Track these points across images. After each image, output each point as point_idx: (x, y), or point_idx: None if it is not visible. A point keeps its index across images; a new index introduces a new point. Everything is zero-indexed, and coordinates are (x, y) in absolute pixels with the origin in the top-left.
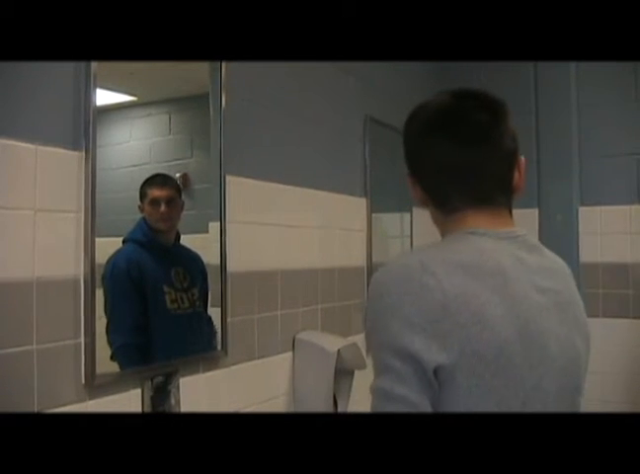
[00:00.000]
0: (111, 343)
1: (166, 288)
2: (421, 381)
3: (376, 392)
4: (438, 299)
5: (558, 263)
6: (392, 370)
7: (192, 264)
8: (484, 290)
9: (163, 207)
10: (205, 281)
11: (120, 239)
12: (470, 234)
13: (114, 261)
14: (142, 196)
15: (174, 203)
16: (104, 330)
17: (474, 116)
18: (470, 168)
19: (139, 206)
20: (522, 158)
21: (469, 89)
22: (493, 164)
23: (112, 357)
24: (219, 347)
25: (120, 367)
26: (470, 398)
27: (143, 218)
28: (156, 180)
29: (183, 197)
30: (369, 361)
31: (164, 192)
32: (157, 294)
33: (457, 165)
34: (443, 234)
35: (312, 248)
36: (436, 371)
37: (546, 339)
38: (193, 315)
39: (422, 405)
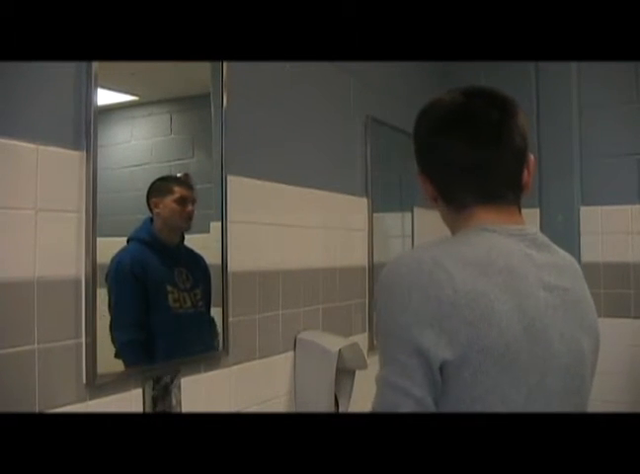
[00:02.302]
0: (114, 340)
1: (169, 288)
2: (425, 377)
3: (381, 382)
4: (447, 295)
5: (569, 261)
6: (397, 363)
7: (195, 264)
8: (493, 288)
9: (190, 207)
10: (208, 283)
11: (121, 239)
12: (481, 230)
13: (118, 259)
14: (164, 191)
15: (195, 205)
16: (105, 329)
17: (485, 114)
18: (481, 166)
19: (154, 202)
20: (532, 156)
21: (480, 87)
22: (503, 162)
23: (116, 355)
24: (220, 346)
25: (125, 365)
26: (475, 393)
27: (150, 219)
28: (180, 179)
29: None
30: (370, 361)
31: (191, 192)
32: (160, 293)
33: (468, 163)
34: (454, 231)
35: (313, 248)
36: (441, 367)
37: (550, 336)
38: (194, 315)
39: (422, 398)
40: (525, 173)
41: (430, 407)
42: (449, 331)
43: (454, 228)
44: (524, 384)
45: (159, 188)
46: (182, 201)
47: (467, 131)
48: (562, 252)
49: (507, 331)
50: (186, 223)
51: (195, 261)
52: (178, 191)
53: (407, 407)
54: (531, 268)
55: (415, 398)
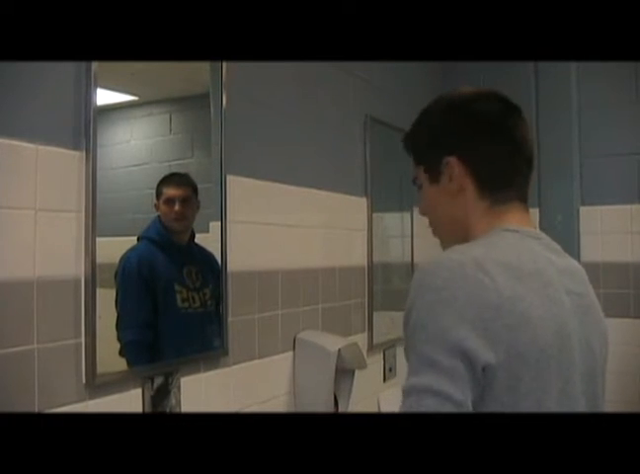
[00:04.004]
0: (119, 339)
1: (177, 287)
2: (469, 380)
3: (417, 389)
4: (492, 298)
5: (577, 266)
6: (439, 367)
7: (205, 263)
8: (528, 292)
9: (177, 207)
10: (219, 281)
11: (122, 239)
12: (504, 231)
13: (126, 258)
14: (158, 194)
15: (189, 203)
16: (105, 330)
17: (520, 120)
18: (520, 165)
19: (155, 205)
20: None
21: (491, 89)
22: (531, 164)
23: (120, 353)
24: (220, 346)
25: (128, 364)
26: (508, 399)
27: (158, 217)
28: (172, 179)
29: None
30: (370, 361)
31: (179, 191)
32: (168, 292)
33: (513, 162)
34: (474, 226)
35: (313, 247)
36: (483, 370)
37: (573, 342)
38: (204, 314)
39: (465, 404)
40: None
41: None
42: (491, 335)
43: (476, 222)
44: (553, 391)
45: (155, 190)
46: (169, 202)
47: (525, 128)
48: (570, 257)
49: (541, 337)
50: (177, 223)
51: (206, 259)
52: (165, 192)
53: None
54: (554, 272)
55: (458, 404)
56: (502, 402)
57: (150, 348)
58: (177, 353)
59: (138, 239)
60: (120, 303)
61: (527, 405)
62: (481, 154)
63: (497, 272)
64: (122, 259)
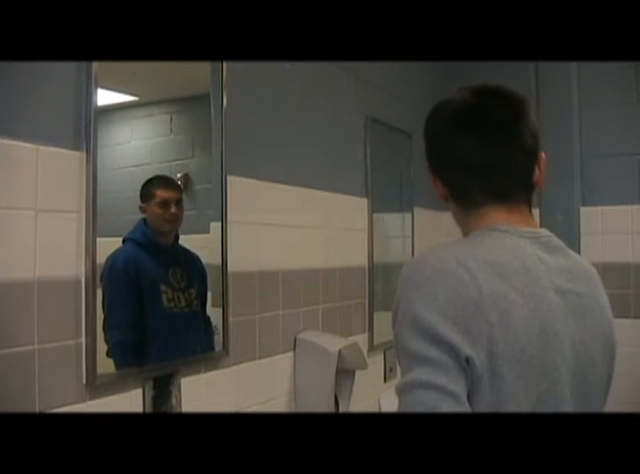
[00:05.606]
0: (107, 339)
1: (163, 287)
2: (458, 371)
3: (410, 385)
4: (472, 296)
5: (584, 266)
6: (429, 361)
7: (190, 264)
8: (511, 290)
9: (173, 209)
10: (204, 282)
11: (122, 239)
12: (493, 231)
13: (112, 259)
14: (148, 196)
15: (181, 205)
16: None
17: (496, 113)
18: (491, 165)
19: (140, 207)
20: (543, 154)
21: (491, 85)
22: (514, 161)
23: (107, 354)
24: (220, 347)
25: (116, 364)
26: (492, 399)
27: (143, 219)
28: (163, 181)
29: (184, 197)
30: (370, 361)
31: (173, 193)
32: (154, 293)
33: (478, 162)
34: (465, 230)
35: (313, 248)
36: (468, 362)
37: (561, 342)
38: (189, 314)
39: (460, 395)
40: (537, 171)
41: (467, 406)
42: (472, 332)
43: (465, 227)
44: (535, 391)
45: (144, 193)
46: (164, 204)
47: (477, 131)
48: (577, 257)
49: (522, 336)
50: (169, 225)
51: (190, 260)
52: (159, 194)
53: (448, 406)
54: (544, 271)
55: (453, 395)
56: (488, 402)
57: (138, 347)
58: (165, 352)
59: (123, 241)
60: (107, 303)
61: (512, 405)
62: (450, 177)
63: (479, 269)
64: (108, 259)
